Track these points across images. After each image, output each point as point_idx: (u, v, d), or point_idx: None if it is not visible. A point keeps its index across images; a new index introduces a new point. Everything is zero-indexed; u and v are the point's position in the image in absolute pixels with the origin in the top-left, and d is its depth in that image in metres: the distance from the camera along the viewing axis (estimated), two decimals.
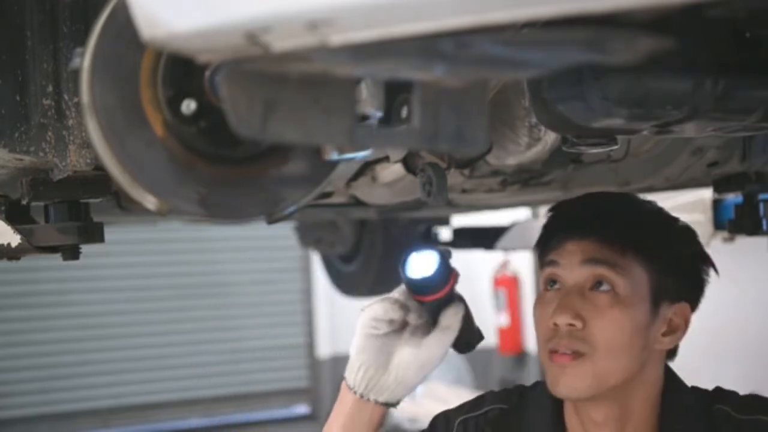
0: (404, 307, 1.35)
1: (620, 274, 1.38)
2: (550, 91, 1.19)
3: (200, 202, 1.05)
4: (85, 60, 0.99)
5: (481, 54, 0.80)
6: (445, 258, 1.35)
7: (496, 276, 6.43)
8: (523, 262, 6.46)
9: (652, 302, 1.40)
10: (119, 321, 6.74)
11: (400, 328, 1.36)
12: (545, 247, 1.45)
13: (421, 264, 1.33)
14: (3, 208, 1.54)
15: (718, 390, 1.50)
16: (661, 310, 1.41)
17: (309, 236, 4.19)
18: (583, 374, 1.37)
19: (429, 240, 4.03)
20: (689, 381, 1.51)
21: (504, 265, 6.40)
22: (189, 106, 1.02)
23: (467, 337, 1.40)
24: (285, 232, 5.14)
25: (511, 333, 6.45)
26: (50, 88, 1.34)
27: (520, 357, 6.49)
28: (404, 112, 0.97)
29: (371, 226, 3.90)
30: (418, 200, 2.02)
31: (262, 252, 7.17)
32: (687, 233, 1.48)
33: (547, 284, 1.43)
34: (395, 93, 0.97)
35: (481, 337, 1.41)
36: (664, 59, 0.91)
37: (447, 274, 1.34)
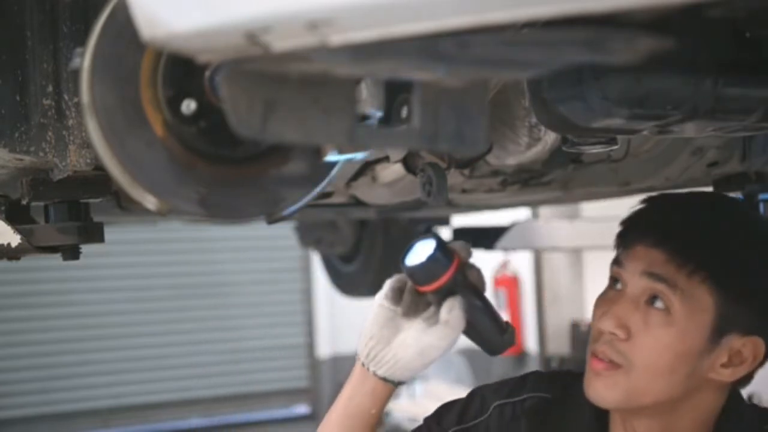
0: (398, 293, 1.35)
1: (680, 296, 1.28)
2: (550, 91, 1.19)
3: (200, 202, 1.05)
4: (85, 60, 0.99)
5: (481, 54, 0.80)
6: (442, 245, 1.30)
7: (496, 276, 6.43)
8: (523, 262, 6.45)
9: (714, 331, 1.29)
10: (119, 321, 6.74)
11: (414, 311, 1.34)
12: (619, 243, 1.37)
13: (419, 252, 1.30)
14: (3, 208, 1.54)
15: None
16: (724, 340, 1.29)
17: (309, 236, 4.19)
18: (614, 386, 1.30)
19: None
20: None
21: (504, 265, 6.40)
22: (189, 106, 1.02)
23: (490, 337, 1.37)
24: (285, 232, 5.14)
25: None
26: (50, 88, 1.34)
27: (520, 357, 6.49)
28: (404, 112, 0.97)
29: (371, 226, 3.90)
30: (418, 200, 2.02)
31: (262, 252, 7.16)
32: None
33: (612, 282, 1.37)
34: (395, 93, 0.97)
35: (512, 342, 1.36)
36: (664, 59, 0.90)
37: (444, 262, 1.30)
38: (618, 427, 1.40)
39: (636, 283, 1.31)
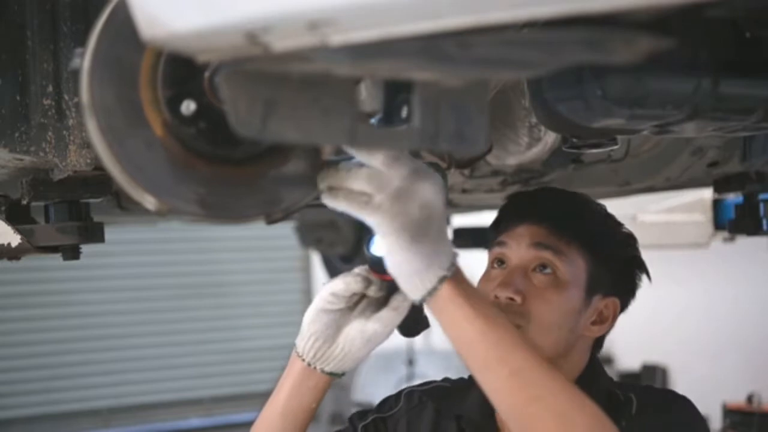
0: (366, 281, 1.38)
1: (563, 260, 1.50)
2: (550, 91, 1.19)
3: (199, 202, 1.05)
4: (85, 60, 0.99)
5: (481, 54, 0.80)
6: None
7: None
8: None
9: (587, 291, 1.51)
10: (119, 321, 6.74)
11: (354, 304, 1.40)
12: (497, 229, 1.56)
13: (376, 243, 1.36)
14: (3, 208, 1.54)
15: (643, 386, 1.59)
16: (593, 300, 1.52)
17: (309, 236, 4.18)
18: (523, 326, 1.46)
19: None
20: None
21: None
22: (189, 106, 1.02)
23: (413, 322, 1.44)
24: (285, 232, 5.13)
25: None
26: (50, 88, 1.34)
27: None
28: (404, 112, 0.97)
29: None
30: None
31: (262, 252, 7.16)
32: (628, 238, 1.63)
33: (494, 263, 1.54)
34: (395, 93, 0.97)
35: (427, 325, 1.44)
36: (664, 59, 0.91)
37: None
38: None
39: (523, 255, 1.51)
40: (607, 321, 1.55)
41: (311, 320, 1.40)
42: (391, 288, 1.39)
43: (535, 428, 1.21)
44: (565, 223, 1.52)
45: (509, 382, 1.21)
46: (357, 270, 1.41)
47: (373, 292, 1.39)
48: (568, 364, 1.52)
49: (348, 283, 1.39)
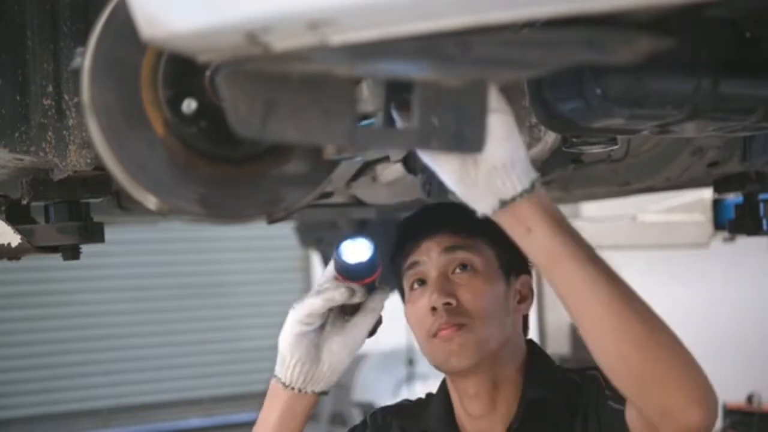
0: (350, 290, 1.40)
1: (475, 254, 1.57)
2: (550, 91, 1.19)
3: (200, 201, 1.05)
4: (85, 60, 0.99)
5: (481, 54, 0.80)
6: (376, 246, 1.43)
7: None
8: None
9: (504, 275, 1.59)
10: (119, 321, 6.74)
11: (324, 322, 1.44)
12: (402, 255, 1.60)
13: (356, 250, 1.40)
14: (3, 208, 1.54)
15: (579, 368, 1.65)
16: (511, 281, 1.60)
17: (309, 236, 4.19)
18: (468, 342, 1.52)
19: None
20: None
21: None
22: (189, 105, 1.02)
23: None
24: (285, 232, 5.13)
25: None
26: (50, 88, 1.34)
27: None
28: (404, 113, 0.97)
29: (371, 226, 3.90)
30: (418, 200, 2.02)
31: (262, 252, 7.16)
32: None
33: (413, 285, 1.58)
34: (395, 93, 0.97)
35: (380, 322, 1.50)
36: (664, 59, 0.91)
37: (377, 261, 1.43)
38: (458, 405, 1.61)
39: (439, 263, 1.56)
40: (527, 298, 1.63)
41: (292, 347, 1.42)
42: (368, 290, 1.43)
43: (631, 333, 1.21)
44: (463, 222, 1.50)
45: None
46: (327, 282, 1.42)
47: (358, 298, 1.41)
48: (513, 348, 1.59)
49: (328, 298, 1.40)
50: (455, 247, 1.56)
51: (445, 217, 1.60)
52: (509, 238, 1.38)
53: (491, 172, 1.15)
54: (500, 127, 1.11)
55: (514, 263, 1.60)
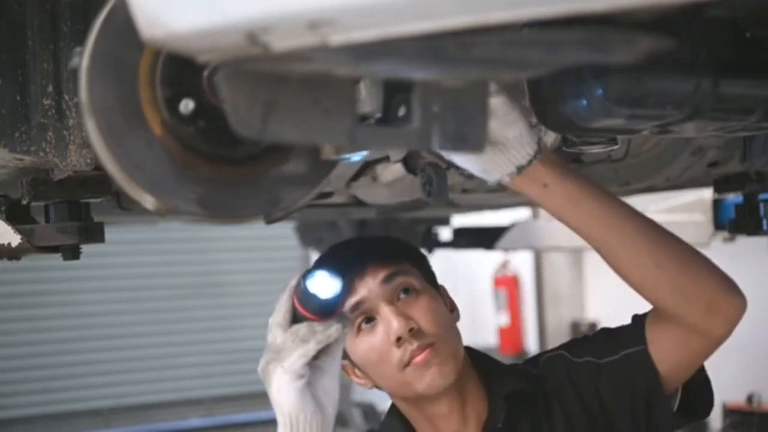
0: (341, 327, 1.35)
1: (409, 275, 1.58)
2: (550, 91, 1.19)
3: (199, 202, 1.05)
4: (84, 59, 0.99)
5: (481, 54, 0.80)
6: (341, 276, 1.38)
7: (496, 276, 6.43)
8: (523, 262, 6.46)
9: (434, 288, 1.62)
10: (119, 321, 6.74)
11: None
12: (338, 303, 1.44)
13: (324, 284, 1.34)
14: (3, 208, 1.54)
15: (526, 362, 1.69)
16: (441, 294, 1.64)
17: (309, 236, 4.19)
18: (445, 359, 1.52)
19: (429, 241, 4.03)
20: None
21: (504, 265, 6.40)
22: (187, 105, 1.02)
23: None
24: (285, 232, 5.14)
25: (511, 333, 6.45)
26: (50, 88, 1.34)
27: (521, 357, 6.50)
28: (403, 112, 0.97)
29: (371, 226, 3.90)
30: (418, 200, 2.02)
31: (262, 252, 7.16)
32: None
33: (361, 325, 1.55)
34: (395, 93, 0.97)
35: None
36: (664, 59, 0.90)
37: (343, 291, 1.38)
38: (425, 426, 1.60)
39: (384, 294, 1.54)
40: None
41: (300, 405, 1.34)
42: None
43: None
44: (384, 250, 1.60)
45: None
46: (305, 326, 1.34)
47: (344, 332, 1.36)
48: (465, 357, 1.60)
49: (322, 340, 1.33)
50: (391, 274, 1.55)
51: (366, 250, 1.61)
52: (423, 254, 1.66)
53: (504, 145, 1.31)
54: (500, 107, 1.27)
55: (433, 277, 1.65)
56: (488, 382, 1.61)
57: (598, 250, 1.44)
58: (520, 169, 1.33)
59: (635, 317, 1.60)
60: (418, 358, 1.51)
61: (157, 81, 1.01)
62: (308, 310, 1.34)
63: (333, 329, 1.34)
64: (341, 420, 6.96)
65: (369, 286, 1.54)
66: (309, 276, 1.34)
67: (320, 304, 1.34)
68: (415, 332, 1.51)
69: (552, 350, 1.67)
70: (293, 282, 1.38)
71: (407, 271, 1.58)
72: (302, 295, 1.35)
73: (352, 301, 1.54)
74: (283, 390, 1.35)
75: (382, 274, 1.55)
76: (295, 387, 1.34)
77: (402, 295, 1.55)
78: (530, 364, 1.67)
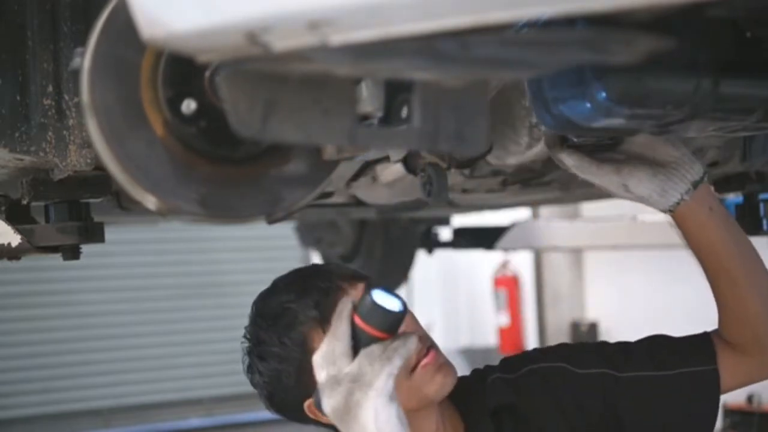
0: (415, 337, 1.29)
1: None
2: (550, 91, 1.19)
3: (200, 202, 1.05)
4: (85, 60, 0.99)
5: (481, 54, 0.80)
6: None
7: (496, 276, 6.43)
8: (523, 262, 6.45)
9: None
10: (119, 321, 6.74)
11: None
12: (326, 317, 1.41)
13: (389, 301, 1.28)
14: (3, 208, 1.54)
15: (485, 368, 1.64)
16: None
17: (309, 236, 4.19)
18: (446, 359, 1.48)
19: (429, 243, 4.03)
20: None
21: (504, 265, 6.40)
22: (189, 106, 1.02)
23: None
24: (285, 232, 5.13)
25: (512, 332, 6.45)
26: (51, 88, 1.34)
27: None
28: (404, 112, 0.97)
29: (371, 226, 3.90)
30: (418, 200, 2.02)
31: (262, 252, 7.17)
32: None
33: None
34: (395, 93, 0.97)
35: None
36: (664, 59, 0.91)
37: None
38: (447, 426, 1.53)
39: None
40: None
41: (403, 429, 1.24)
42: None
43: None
44: (340, 269, 1.54)
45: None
46: (380, 344, 1.26)
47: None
48: None
49: (405, 356, 1.25)
50: (369, 286, 1.47)
51: (337, 269, 1.54)
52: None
53: (676, 162, 1.36)
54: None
55: None
56: (460, 399, 1.54)
57: (734, 283, 1.46)
58: (696, 185, 1.36)
59: (680, 338, 1.55)
60: (427, 359, 1.44)
61: (159, 81, 1.01)
62: (378, 326, 1.26)
63: (411, 340, 1.26)
64: None
65: (354, 297, 1.43)
66: (371, 293, 1.28)
67: (391, 318, 1.26)
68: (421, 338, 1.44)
69: (534, 357, 1.61)
70: (347, 307, 1.29)
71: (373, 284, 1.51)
72: (370, 312, 1.27)
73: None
74: (382, 414, 1.22)
75: (360, 286, 1.48)
76: (394, 408, 1.23)
77: None
78: (505, 369, 1.60)
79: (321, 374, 1.26)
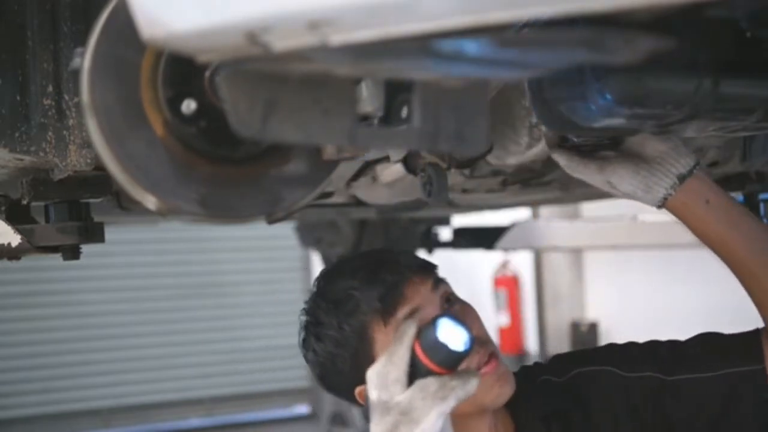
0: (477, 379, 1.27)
1: (445, 284, 1.51)
2: (551, 91, 1.19)
3: (200, 202, 1.05)
4: (85, 60, 0.99)
5: (480, 54, 0.80)
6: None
7: (496, 276, 6.43)
8: (523, 262, 6.45)
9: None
10: (119, 321, 6.74)
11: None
12: (389, 309, 1.43)
13: (456, 335, 1.24)
14: (3, 208, 1.54)
15: (534, 365, 1.62)
16: None
17: (309, 236, 4.19)
18: (506, 368, 1.45)
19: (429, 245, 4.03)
20: None
21: (504, 265, 6.40)
22: (189, 106, 1.02)
23: None
24: (285, 232, 5.14)
25: (512, 333, 6.45)
26: (50, 88, 1.34)
27: (521, 357, 6.49)
28: (404, 112, 0.97)
29: (371, 226, 3.90)
30: (419, 200, 2.02)
31: (262, 252, 7.17)
32: None
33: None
34: (395, 93, 0.97)
35: None
36: (664, 59, 0.91)
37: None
38: (498, 428, 1.51)
39: (438, 302, 1.46)
40: None
41: None
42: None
43: None
44: (416, 259, 1.53)
45: None
46: (438, 379, 1.23)
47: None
48: None
49: (461, 397, 1.23)
50: (436, 281, 1.48)
51: (402, 257, 1.52)
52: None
53: (662, 157, 1.32)
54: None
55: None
56: (523, 399, 1.51)
57: (752, 276, 1.40)
58: (682, 179, 1.32)
59: (723, 335, 1.52)
60: (487, 368, 1.42)
61: (159, 81, 1.01)
62: (438, 362, 1.22)
63: (472, 384, 1.23)
64: (341, 420, 6.96)
65: (422, 294, 1.45)
66: (437, 325, 1.23)
67: (452, 356, 1.22)
68: (478, 339, 1.39)
69: (584, 359, 1.59)
70: (411, 331, 1.26)
71: (443, 280, 1.51)
72: (431, 345, 1.23)
73: (404, 309, 1.43)
74: None
75: (430, 281, 1.47)
76: None
77: (445, 305, 1.46)
78: (554, 370, 1.58)
79: (373, 393, 1.26)
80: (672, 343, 1.55)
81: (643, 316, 5.77)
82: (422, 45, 0.77)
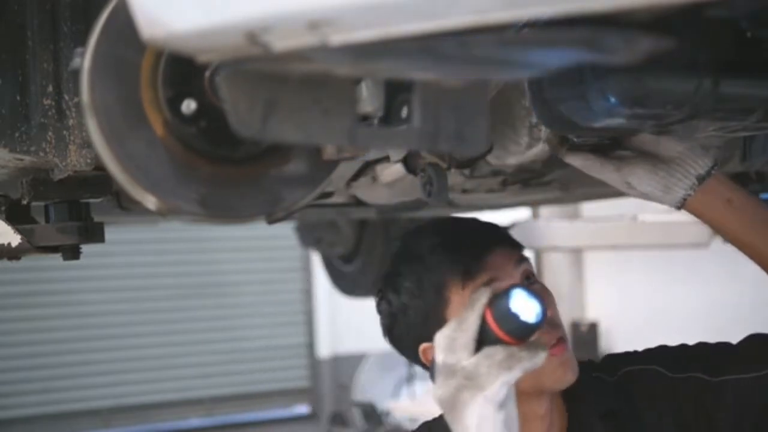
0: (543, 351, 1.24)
1: (528, 263, 1.49)
2: (550, 91, 1.19)
3: (200, 202, 1.05)
4: (85, 60, 0.99)
5: (481, 54, 0.80)
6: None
7: None
8: None
9: None
10: (119, 321, 6.75)
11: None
12: (470, 272, 1.42)
13: (529, 306, 1.21)
14: (3, 208, 1.54)
15: (587, 361, 1.59)
16: None
17: (309, 236, 4.19)
18: (572, 354, 1.44)
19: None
20: None
21: None
22: (189, 106, 1.02)
23: None
24: (285, 232, 5.14)
25: None
26: (51, 88, 1.34)
27: None
28: (404, 112, 0.97)
29: (371, 226, 3.90)
30: (419, 200, 2.02)
31: (262, 252, 7.17)
32: None
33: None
34: (395, 93, 0.97)
35: None
36: (664, 59, 0.91)
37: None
38: (553, 415, 1.49)
39: (515, 277, 1.44)
40: None
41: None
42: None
43: None
44: (506, 234, 1.52)
45: None
46: (507, 348, 1.21)
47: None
48: None
49: (528, 368, 1.20)
50: (520, 258, 1.47)
51: (491, 229, 1.52)
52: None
53: (680, 157, 1.31)
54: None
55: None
56: (565, 392, 1.49)
57: None
58: (701, 180, 1.32)
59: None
60: (555, 350, 1.39)
61: (159, 81, 1.01)
62: (508, 332, 1.21)
63: (540, 356, 1.21)
64: (341, 420, 6.97)
65: (503, 266, 1.44)
66: (510, 295, 1.21)
67: (522, 327, 1.21)
68: (549, 320, 1.36)
69: (633, 358, 1.57)
70: (483, 298, 1.24)
71: (527, 259, 1.49)
72: (502, 314, 1.21)
73: (483, 277, 1.42)
74: (486, 423, 1.19)
75: (515, 256, 1.47)
76: (500, 419, 1.20)
77: (525, 282, 1.45)
78: (606, 368, 1.56)
79: (439, 356, 1.24)
80: (721, 345, 1.54)
81: (643, 316, 5.77)
82: (422, 45, 0.77)
